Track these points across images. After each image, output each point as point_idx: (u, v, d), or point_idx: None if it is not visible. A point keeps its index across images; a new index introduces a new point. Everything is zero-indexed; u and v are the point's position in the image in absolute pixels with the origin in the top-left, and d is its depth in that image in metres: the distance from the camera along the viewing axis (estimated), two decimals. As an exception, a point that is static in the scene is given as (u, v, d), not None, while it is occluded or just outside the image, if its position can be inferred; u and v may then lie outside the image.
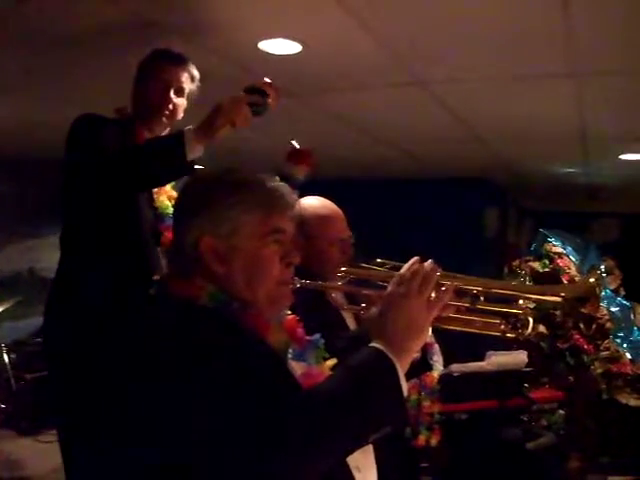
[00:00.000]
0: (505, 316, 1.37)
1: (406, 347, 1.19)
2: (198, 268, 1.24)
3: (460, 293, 1.36)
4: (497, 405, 3.25)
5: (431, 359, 3.15)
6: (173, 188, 2.36)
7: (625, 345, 4.55)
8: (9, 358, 4.88)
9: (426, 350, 3.03)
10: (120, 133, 2.21)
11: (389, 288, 1.26)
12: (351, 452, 1.15)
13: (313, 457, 1.06)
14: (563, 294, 1.35)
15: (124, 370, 1.20)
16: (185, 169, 2.04)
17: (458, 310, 1.38)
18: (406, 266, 1.27)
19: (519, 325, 1.36)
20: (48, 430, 4.30)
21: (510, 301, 1.38)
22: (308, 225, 2.24)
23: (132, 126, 2.29)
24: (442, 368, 3.28)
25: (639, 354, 4.50)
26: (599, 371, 4.27)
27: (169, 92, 2.32)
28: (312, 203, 2.30)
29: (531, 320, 1.35)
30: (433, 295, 1.25)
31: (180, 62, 2.38)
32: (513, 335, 1.37)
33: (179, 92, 2.36)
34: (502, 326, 1.36)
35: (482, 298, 1.37)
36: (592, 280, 1.35)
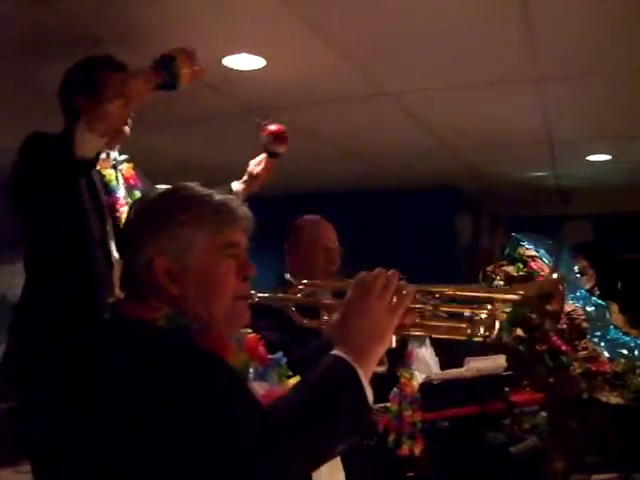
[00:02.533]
0: (471, 320, 1.36)
1: (368, 352, 1.16)
2: (152, 290, 1.21)
3: (423, 298, 1.34)
4: (478, 411, 3.25)
5: (410, 368, 3.15)
6: (107, 157, 2.23)
7: (602, 344, 4.59)
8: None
9: (401, 361, 3.05)
10: None
11: (348, 294, 1.23)
12: (318, 465, 1.12)
13: (282, 473, 1.04)
14: (523, 292, 1.34)
15: (84, 399, 1.16)
16: (75, 166, 1.85)
17: (422, 316, 1.35)
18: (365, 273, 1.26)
19: (485, 328, 1.35)
20: (27, 460, 4.21)
21: (474, 304, 1.36)
22: (300, 231, 2.55)
23: None
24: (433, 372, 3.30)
25: (616, 352, 4.54)
26: (578, 371, 4.30)
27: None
28: (305, 217, 2.63)
29: (497, 322, 1.33)
30: (394, 300, 1.22)
31: (124, 69, 2.22)
32: (480, 339, 1.34)
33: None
34: (468, 330, 1.33)
35: (448, 303, 1.35)
36: (555, 276, 1.35)
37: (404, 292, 1.24)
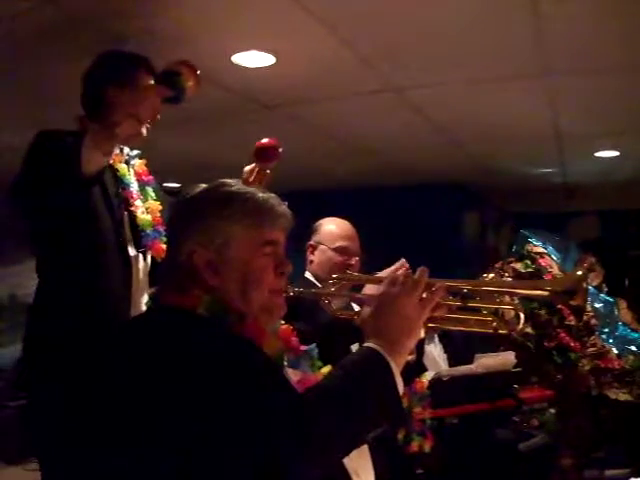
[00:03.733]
0: (497, 314, 1.39)
1: (400, 345, 1.22)
2: (193, 281, 1.25)
3: (451, 293, 1.39)
4: (488, 407, 3.25)
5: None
6: (121, 152, 2.22)
7: (611, 341, 4.58)
8: (-6, 386, 4.81)
9: (420, 349, 3.07)
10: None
11: (381, 288, 1.29)
12: (350, 451, 1.17)
13: (314, 456, 1.08)
14: (550, 288, 1.37)
15: (123, 390, 1.18)
16: (80, 182, 1.85)
17: (450, 310, 1.41)
18: (393, 267, 1.31)
19: (511, 321, 1.38)
20: (35, 458, 4.23)
21: (500, 298, 1.40)
22: (321, 233, 2.60)
23: None
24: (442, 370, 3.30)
25: (625, 349, 4.53)
26: (587, 368, 4.29)
27: (155, 116, 2.13)
28: (333, 219, 2.67)
29: (522, 315, 1.37)
30: (425, 295, 1.28)
31: (152, 68, 2.18)
32: (506, 331, 1.40)
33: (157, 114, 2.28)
34: (494, 323, 1.38)
35: (474, 297, 1.39)
36: (579, 273, 1.37)
37: (434, 288, 1.30)
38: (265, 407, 1.06)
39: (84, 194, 1.95)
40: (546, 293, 1.38)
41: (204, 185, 1.36)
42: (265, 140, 2.44)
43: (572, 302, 1.35)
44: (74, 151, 1.83)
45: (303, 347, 1.45)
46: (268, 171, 2.44)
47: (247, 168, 2.54)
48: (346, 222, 2.64)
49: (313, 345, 1.47)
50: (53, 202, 1.91)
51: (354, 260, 2.53)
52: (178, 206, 1.39)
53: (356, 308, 2.12)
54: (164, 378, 1.11)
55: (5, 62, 2.95)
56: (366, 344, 1.21)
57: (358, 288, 1.88)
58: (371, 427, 1.17)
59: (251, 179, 2.51)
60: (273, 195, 1.34)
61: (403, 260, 1.33)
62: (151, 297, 1.38)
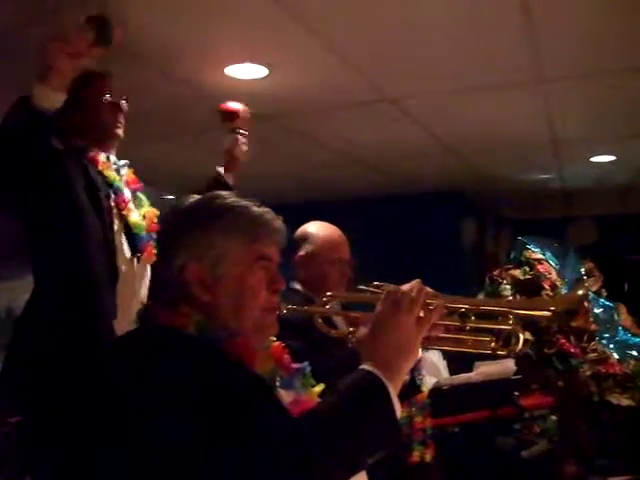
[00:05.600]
0: (495, 333, 1.36)
1: (397, 368, 1.19)
2: (183, 296, 1.21)
3: (449, 312, 1.35)
4: (489, 415, 3.23)
5: (420, 374, 3.13)
6: (108, 160, 2.25)
7: (611, 346, 4.56)
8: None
9: (414, 366, 3.03)
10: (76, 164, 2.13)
11: (378, 307, 1.26)
12: (348, 477, 1.13)
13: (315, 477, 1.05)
14: (552, 308, 1.35)
15: (109, 408, 1.14)
16: (34, 116, 1.87)
17: (447, 329, 1.38)
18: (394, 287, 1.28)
19: (509, 341, 1.35)
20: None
21: (498, 318, 1.37)
22: (313, 243, 2.39)
23: (83, 153, 2.19)
24: (440, 379, 3.28)
25: (626, 354, 4.51)
26: (588, 373, 4.27)
27: (118, 107, 2.27)
28: (321, 225, 2.47)
29: (521, 336, 1.34)
30: (422, 314, 1.25)
31: (107, 77, 2.30)
32: (504, 352, 1.37)
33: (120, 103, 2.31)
34: (492, 344, 1.35)
35: (472, 317, 1.36)
36: (580, 292, 1.34)
37: (431, 307, 1.27)
38: (257, 436, 1.02)
39: (45, 128, 1.93)
40: (547, 314, 1.35)
41: (196, 196, 1.32)
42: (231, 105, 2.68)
43: (573, 323, 1.32)
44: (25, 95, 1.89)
45: (295, 365, 1.39)
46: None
47: (228, 139, 2.72)
48: (335, 227, 2.50)
49: (306, 363, 1.41)
50: (19, 144, 1.90)
51: (350, 271, 2.44)
52: (169, 217, 1.33)
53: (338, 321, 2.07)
54: (150, 406, 1.06)
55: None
56: (362, 366, 1.18)
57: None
58: (368, 452, 1.14)
59: (235, 152, 2.70)
60: (268, 209, 1.30)
61: (418, 281, 1.30)
62: (139, 313, 1.32)
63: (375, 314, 1.26)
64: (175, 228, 1.28)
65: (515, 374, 3.42)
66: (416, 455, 2.94)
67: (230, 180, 2.69)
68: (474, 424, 3.27)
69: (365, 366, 1.17)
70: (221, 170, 2.69)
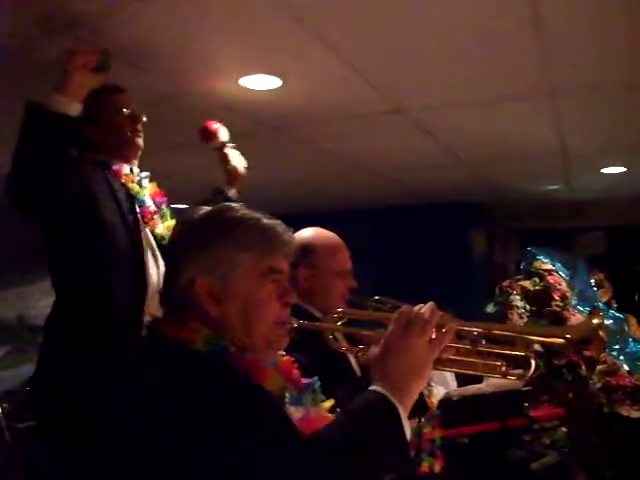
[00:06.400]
0: (506, 357, 1.35)
1: (408, 389, 1.18)
2: (193, 310, 1.20)
3: (460, 336, 1.35)
4: (498, 427, 3.23)
5: (429, 384, 3.13)
6: (131, 172, 2.28)
7: (621, 357, 4.54)
8: (2, 408, 4.79)
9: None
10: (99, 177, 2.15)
11: (390, 328, 1.25)
12: None
13: None
14: (567, 335, 1.32)
15: (123, 424, 1.15)
16: (54, 120, 1.90)
17: (458, 352, 1.37)
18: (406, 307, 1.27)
19: (520, 366, 1.34)
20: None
21: (511, 343, 1.35)
22: (315, 255, 2.20)
23: (107, 165, 2.21)
24: (449, 389, 3.28)
25: (636, 365, 4.49)
26: (598, 385, 4.26)
27: (138, 119, 2.30)
28: (319, 234, 2.27)
29: (533, 362, 1.32)
30: (434, 336, 1.24)
31: (123, 90, 2.34)
32: (515, 378, 1.35)
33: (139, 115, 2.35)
34: (503, 368, 1.33)
35: (484, 341, 1.36)
36: (595, 321, 1.32)
37: (444, 330, 1.26)
38: (265, 458, 1.02)
39: (64, 133, 1.94)
40: (561, 341, 1.32)
41: (206, 208, 1.31)
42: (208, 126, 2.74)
43: (587, 352, 1.31)
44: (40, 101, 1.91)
45: (304, 380, 1.37)
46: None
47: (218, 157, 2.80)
48: (333, 234, 2.31)
49: (315, 378, 1.39)
50: (41, 152, 1.91)
51: (353, 281, 2.28)
52: (180, 230, 1.32)
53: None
54: (160, 423, 1.06)
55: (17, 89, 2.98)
56: (373, 387, 1.18)
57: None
58: (378, 473, 1.14)
59: (230, 165, 2.76)
60: (279, 222, 1.29)
61: (432, 303, 1.29)
62: (148, 326, 1.31)
63: (387, 335, 1.24)
64: (185, 241, 1.27)
65: (525, 386, 3.42)
66: (425, 466, 2.92)
67: (232, 193, 2.74)
68: (484, 435, 3.27)
69: (376, 387, 1.17)
70: (231, 193, 2.74)
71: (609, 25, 2.48)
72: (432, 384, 3.23)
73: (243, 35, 2.50)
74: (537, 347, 4.27)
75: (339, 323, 1.66)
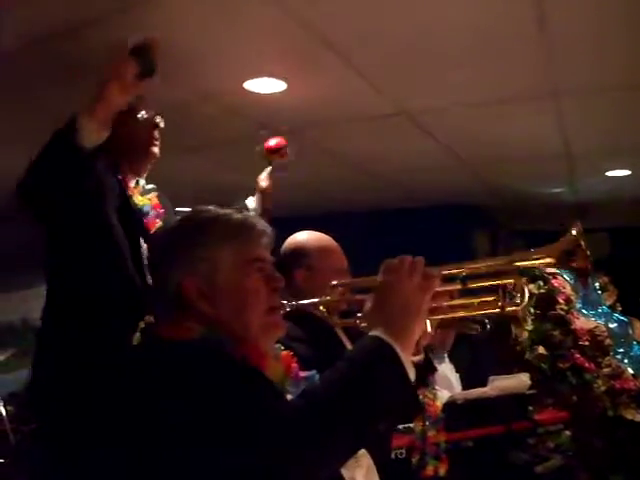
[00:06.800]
0: (499, 292, 1.35)
1: (405, 328, 1.17)
2: (186, 311, 1.22)
3: (450, 278, 1.35)
4: (503, 430, 3.23)
5: (434, 388, 3.13)
6: (137, 184, 2.27)
7: (626, 361, 4.52)
8: (6, 411, 4.80)
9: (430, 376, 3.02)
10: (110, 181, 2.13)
11: (379, 278, 1.26)
12: (363, 443, 1.14)
13: (327, 449, 1.06)
14: (550, 253, 1.34)
15: (128, 420, 1.15)
16: (79, 153, 1.85)
17: (452, 297, 1.37)
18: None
19: (514, 297, 1.36)
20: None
21: (500, 274, 1.37)
22: (311, 257, 2.23)
23: (116, 170, 2.19)
24: (453, 392, 3.27)
25: (641, 369, 4.48)
26: (602, 389, 4.24)
27: (154, 125, 2.28)
28: (312, 236, 2.30)
29: (526, 289, 1.34)
30: (423, 283, 1.24)
31: (143, 95, 2.27)
32: (512, 307, 1.36)
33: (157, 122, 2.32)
34: (499, 302, 1.34)
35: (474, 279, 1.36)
36: (574, 232, 1.35)
37: (430, 274, 1.26)
38: (268, 410, 1.04)
39: (87, 168, 1.91)
40: (549, 260, 1.34)
41: (179, 216, 1.35)
42: (273, 140, 2.79)
43: (574, 264, 1.32)
44: (70, 123, 1.86)
45: (303, 373, 1.41)
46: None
47: (261, 175, 2.76)
48: (328, 237, 2.34)
49: (314, 371, 1.42)
50: (57, 181, 1.89)
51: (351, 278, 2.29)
52: (158, 238, 1.37)
53: None
54: (166, 409, 1.07)
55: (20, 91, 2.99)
56: (369, 333, 1.18)
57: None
58: (381, 415, 1.12)
59: (264, 184, 2.76)
60: (251, 214, 1.36)
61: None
62: (142, 331, 1.35)
63: (376, 286, 1.26)
64: (165, 247, 1.30)
65: (529, 389, 3.41)
66: (430, 469, 2.93)
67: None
68: (488, 439, 3.26)
69: (372, 332, 1.17)
70: (251, 204, 2.77)
71: (613, 26, 2.49)
72: (437, 388, 3.23)
73: (247, 38, 2.51)
74: (541, 350, 4.28)
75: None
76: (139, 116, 2.23)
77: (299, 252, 2.24)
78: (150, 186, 2.33)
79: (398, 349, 1.13)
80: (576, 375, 4.24)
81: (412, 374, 1.13)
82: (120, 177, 2.19)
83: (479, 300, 1.38)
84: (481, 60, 2.79)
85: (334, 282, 1.66)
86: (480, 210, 6.74)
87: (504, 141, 4.22)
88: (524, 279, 1.37)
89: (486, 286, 1.37)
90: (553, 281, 4.53)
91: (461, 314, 1.43)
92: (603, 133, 4.07)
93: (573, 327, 4.19)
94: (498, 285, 1.37)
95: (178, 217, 1.34)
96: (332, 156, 4.47)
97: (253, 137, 3.30)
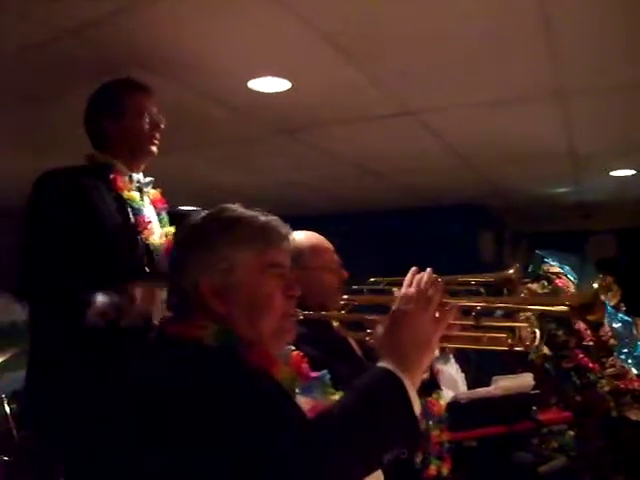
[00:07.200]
0: (511, 330, 1.39)
1: (414, 363, 1.19)
2: (200, 309, 1.23)
3: (464, 311, 1.37)
4: (506, 430, 3.22)
5: (438, 388, 3.12)
6: (130, 179, 2.27)
7: (630, 361, 4.51)
8: (10, 409, 4.80)
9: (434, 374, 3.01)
10: (89, 180, 2.13)
11: (394, 306, 1.27)
12: (367, 473, 1.14)
13: (329, 477, 1.05)
14: (569, 303, 1.36)
15: (137, 420, 1.15)
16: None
17: (464, 328, 1.39)
18: (407, 280, 1.30)
19: (526, 338, 1.38)
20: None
21: (514, 315, 1.40)
22: (302, 257, 2.23)
23: (106, 172, 2.19)
24: (457, 392, 3.27)
25: (645, 369, 4.47)
26: (606, 389, 4.23)
27: (157, 125, 2.29)
28: (303, 236, 2.31)
29: (537, 332, 1.36)
30: (438, 315, 1.26)
31: (150, 91, 2.32)
32: (521, 348, 1.39)
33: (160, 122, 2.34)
34: (509, 340, 1.37)
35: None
36: (595, 286, 1.37)
37: (447, 307, 1.28)
38: (277, 437, 1.03)
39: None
40: (564, 309, 1.36)
41: (205, 212, 1.34)
42: None
43: (589, 317, 1.34)
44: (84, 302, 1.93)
45: (314, 374, 1.42)
46: None
47: None
48: (318, 235, 2.36)
49: (325, 371, 1.44)
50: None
51: (344, 273, 2.31)
52: (181, 234, 1.36)
53: None
54: (174, 416, 1.07)
55: (22, 91, 3.00)
56: (379, 363, 1.19)
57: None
58: (386, 448, 1.13)
59: None
60: (276, 217, 1.32)
61: (415, 269, 1.32)
62: (157, 327, 1.34)
63: (391, 313, 1.27)
64: (186, 244, 1.30)
65: (533, 389, 3.40)
66: (433, 469, 2.91)
67: None
68: (492, 438, 3.25)
69: (381, 363, 1.18)
70: None
71: (619, 26, 2.48)
72: (441, 387, 3.23)
73: (251, 38, 2.51)
74: (545, 350, 4.27)
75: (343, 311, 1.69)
76: (147, 112, 2.25)
77: (292, 252, 2.26)
78: (148, 179, 2.33)
79: (407, 383, 1.15)
80: (580, 375, 4.24)
81: (417, 407, 1.15)
82: (112, 176, 2.19)
83: (489, 335, 1.41)
84: (486, 59, 2.78)
85: (346, 296, 1.69)
86: (485, 210, 6.74)
87: (509, 141, 4.21)
88: (536, 324, 1.41)
89: (499, 326, 1.41)
90: (557, 281, 4.52)
91: (469, 346, 1.47)
92: (608, 133, 4.06)
93: (577, 327, 4.18)
94: (510, 326, 1.41)
95: (202, 213, 1.33)
96: (336, 156, 4.47)
97: (256, 137, 3.32)
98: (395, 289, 1.67)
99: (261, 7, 2.25)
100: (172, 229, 2.30)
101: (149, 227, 2.22)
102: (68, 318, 2.02)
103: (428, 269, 1.33)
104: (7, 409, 4.79)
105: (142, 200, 2.26)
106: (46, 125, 3.48)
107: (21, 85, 2.91)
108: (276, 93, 3.06)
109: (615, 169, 5.12)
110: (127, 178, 2.24)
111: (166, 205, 2.38)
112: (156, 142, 2.30)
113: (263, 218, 1.30)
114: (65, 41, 2.43)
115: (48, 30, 2.36)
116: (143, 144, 2.26)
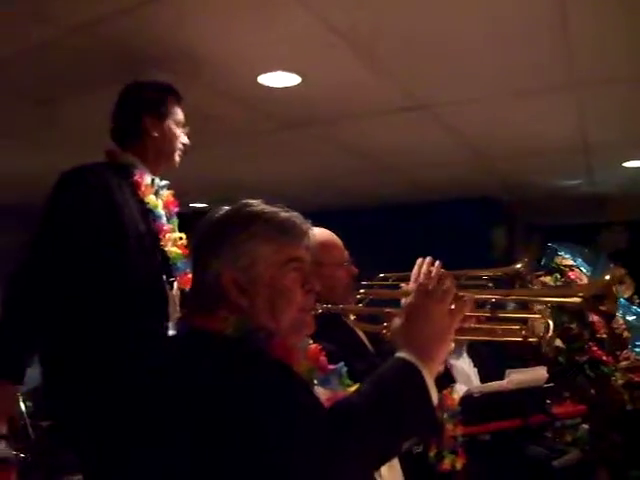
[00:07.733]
0: (525, 322, 1.41)
1: (431, 354, 1.22)
2: (221, 301, 1.25)
3: (479, 304, 1.40)
4: (520, 424, 3.21)
5: (452, 382, 3.12)
6: (152, 183, 2.28)
7: (644, 354, 4.50)
8: (25, 406, 4.83)
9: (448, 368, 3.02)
10: (113, 179, 2.13)
11: (410, 299, 1.30)
12: (383, 462, 1.19)
13: (350, 467, 1.09)
14: (581, 294, 1.38)
15: (163, 413, 1.17)
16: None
17: (478, 320, 1.42)
18: (414, 273, 1.40)
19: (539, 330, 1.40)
20: (67, 477, 4.24)
21: (528, 306, 1.42)
22: (313, 253, 2.25)
23: (129, 171, 2.21)
24: (471, 386, 3.26)
25: (659, 362, 4.44)
26: (620, 382, 4.22)
27: (183, 132, 2.32)
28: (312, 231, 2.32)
29: (551, 323, 1.39)
30: (453, 306, 1.29)
31: (180, 97, 2.35)
32: (535, 339, 1.42)
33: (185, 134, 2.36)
34: (523, 331, 1.39)
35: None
36: (607, 277, 1.37)
37: (463, 300, 1.31)
38: (301, 423, 1.07)
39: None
40: (577, 300, 1.38)
41: (227, 207, 1.37)
42: None
43: (602, 307, 1.35)
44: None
45: (331, 366, 1.45)
46: None
47: None
48: (328, 231, 2.39)
49: (341, 364, 1.47)
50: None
51: (355, 269, 2.36)
52: (202, 229, 1.38)
53: None
54: (198, 408, 1.09)
55: (36, 89, 3.01)
56: (397, 354, 1.22)
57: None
58: (404, 436, 1.17)
59: None
60: (296, 213, 1.35)
61: (420, 260, 1.35)
62: (178, 321, 1.38)
63: (407, 305, 1.30)
64: (208, 239, 1.32)
65: (547, 382, 3.39)
66: (447, 463, 2.92)
67: None
68: (505, 432, 3.24)
69: (399, 354, 1.21)
70: None
71: (634, 17, 2.45)
72: (455, 381, 3.22)
73: (262, 33, 2.51)
74: (558, 343, 4.25)
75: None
76: (182, 129, 2.31)
77: None
78: (164, 182, 2.35)
79: (426, 374, 1.18)
80: (594, 368, 4.22)
81: (435, 397, 1.17)
82: (135, 178, 2.20)
83: (504, 327, 1.43)
84: (499, 53, 2.77)
85: (362, 291, 1.71)
86: (497, 204, 6.71)
87: (520, 133, 4.19)
88: (550, 315, 1.44)
89: (513, 317, 1.44)
90: (570, 273, 4.51)
91: (484, 338, 1.49)
92: (620, 124, 4.03)
93: (590, 320, 4.16)
94: (524, 317, 1.44)
95: (223, 209, 1.36)
96: (347, 150, 4.46)
97: (267, 131, 3.32)
98: (403, 284, 1.71)
99: (271, 2, 2.25)
100: (182, 235, 2.29)
101: (167, 236, 2.24)
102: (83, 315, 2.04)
103: (437, 262, 1.42)
104: (23, 407, 4.83)
105: (160, 205, 2.27)
106: (60, 123, 3.50)
107: (34, 83, 2.92)
108: (286, 88, 3.06)
109: (628, 160, 5.09)
110: (149, 181, 2.26)
111: (177, 208, 2.39)
112: (181, 153, 2.33)
113: (284, 214, 1.32)
114: (78, 38, 2.43)
115: (62, 28, 2.36)
116: (172, 151, 2.29)
